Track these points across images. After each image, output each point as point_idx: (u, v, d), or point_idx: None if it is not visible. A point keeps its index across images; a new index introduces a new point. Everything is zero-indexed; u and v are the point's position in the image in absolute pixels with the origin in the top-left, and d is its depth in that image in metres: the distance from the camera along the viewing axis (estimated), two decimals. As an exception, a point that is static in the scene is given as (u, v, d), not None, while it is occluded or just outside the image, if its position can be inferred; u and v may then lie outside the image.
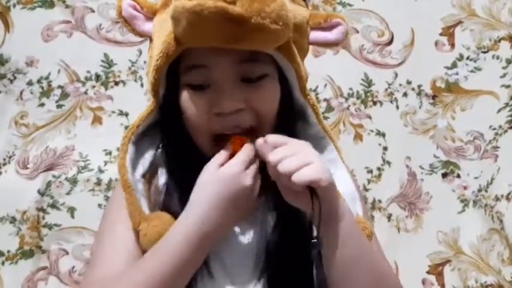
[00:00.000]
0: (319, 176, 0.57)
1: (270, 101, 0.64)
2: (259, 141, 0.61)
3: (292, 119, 0.68)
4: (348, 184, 0.69)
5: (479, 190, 1.13)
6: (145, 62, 1.08)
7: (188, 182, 0.63)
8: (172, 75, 0.64)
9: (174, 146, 0.68)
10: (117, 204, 0.68)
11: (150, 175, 0.69)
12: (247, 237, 0.67)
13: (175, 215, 0.63)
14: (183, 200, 0.63)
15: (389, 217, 1.13)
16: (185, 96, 0.63)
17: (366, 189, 1.13)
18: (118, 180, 0.69)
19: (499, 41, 1.15)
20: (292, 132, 0.67)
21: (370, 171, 1.13)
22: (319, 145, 0.69)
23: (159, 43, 0.63)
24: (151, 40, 0.67)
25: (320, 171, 0.57)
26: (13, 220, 1.03)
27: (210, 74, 0.62)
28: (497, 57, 1.14)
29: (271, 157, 0.58)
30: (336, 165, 0.70)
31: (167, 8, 0.64)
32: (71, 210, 1.04)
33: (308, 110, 0.69)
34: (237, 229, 0.67)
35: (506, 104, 1.13)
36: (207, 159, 0.63)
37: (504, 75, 1.14)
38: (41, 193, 1.03)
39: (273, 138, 0.60)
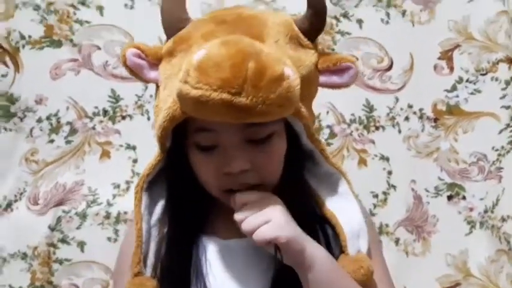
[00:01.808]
0: (276, 234, 0.59)
1: (275, 160, 0.65)
2: (232, 200, 0.63)
3: (300, 162, 0.68)
4: (355, 219, 0.69)
5: (485, 211, 1.13)
6: (151, 96, 1.10)
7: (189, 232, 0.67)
8: (179, 131, 0.64)
9: (180, 195, 0.69)
10: (127, 248, 0.70)
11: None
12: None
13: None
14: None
15: (397, 241, 1.13)
16: (194, 155, 0.65)
17: (373, 214, 1.13)
18: (130, 223, 0.72)
19: (497, 63, 1.16)
20: (300, 174, 0.68)
21: (376, 196, 1.14)
22: (329, 180, 0.70)
23: (166, 103, 0.63)
24: (157, 86, 0.67)
25: (277, 229, 0.59)
26: (24, 256, 1.05)
27: (218, 137, 0.62)
28: (496, 79, 1.16)
29: (236, 216, 0.61)
30: (346, 198, 0.70)
31: (173, 59, 0.64)
32: (81, 245, 1.05)
33: (316, 154, 0.69)
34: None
35: (507, 125, 1.14)
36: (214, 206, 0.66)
37: (504, 97, 1.15)
38: (52, 228, 1.05)
39: (240, 196, 0.62)
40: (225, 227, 0.68)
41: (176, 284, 0.67)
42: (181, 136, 0.64)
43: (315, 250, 0.63)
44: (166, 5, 0.68)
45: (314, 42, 0.67)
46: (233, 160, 0.62)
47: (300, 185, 0.69)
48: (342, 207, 0.69)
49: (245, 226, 0.60)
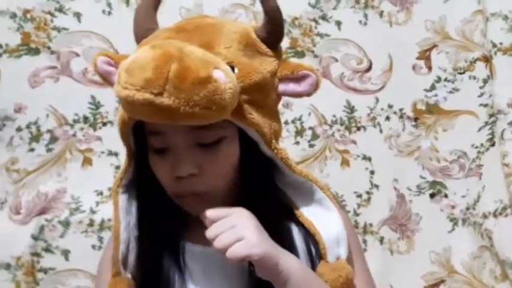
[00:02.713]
0: (248, 252, 0.59)
1: (223, 165, 0.65)
2: (202, 215, 0.62)
3: (260, 170, 0.68)
4: (334, 226, 0.70)
5: (467, 208, 1.15)
6: (132, 102, 1.10)
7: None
8: (139, 134, 0.65)
9: (149, 196, 0.69)
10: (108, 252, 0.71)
11: None
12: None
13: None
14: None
15: (381, 240, 1.14)
16: (151, 158, 0.66)
17: (357, 214, 1.14)
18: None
19: (474, 61, 1.18)
20: (263, 181, 0.68)
21: (359, 196, 1.15)
22: (302, 189, 0.71)
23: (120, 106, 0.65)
24: None
25: (250, 246, 0.59)
26: (8, 266, 1.03)
27: (167, 140, 0.63)
28: (474, 78, 1.18)
29: (208, 233, 0.61)
30: (323, 205, 0.71)
31: None
32: (65, 253, 1.04)
33: (278, 163, 0.69)
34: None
35: (486, 123, 1.16)
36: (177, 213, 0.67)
37: (481, 95, 1.17)
38: (35, 238, 1.03)
39: (210, 213, 0.62)
40: (203, 234, 0.66)
41: (155, 285, 0.67)
42: (141, 140, 0.66)
43: (289, 263, 0.63)
44: (137, 15, 0.71)
45: (276, 50, 0.67)
46: (181, 164, 0.63)
47: (267, 192, 0.69)
48: (319, 215, 0.70)
49: (217, 244, 0.59)
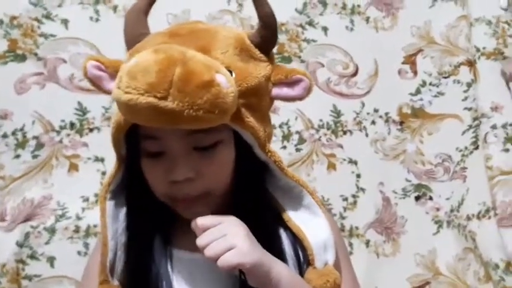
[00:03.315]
0: (239, 260, 0.59)
1: (221, 169, 0.65)
2: (193, 223, 0.63)
3: (254, 173, 0.69)
4: (322, 232, 0.70)
5: (452, 211, 1.16)
6: (118, 108, 1.10)
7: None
8: (132, 139, 0.65)
9: (138, 202, 0.69)
10: (94, 259, 0.71)
11: None
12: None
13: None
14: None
15: (367, 243, 1.15)
16: (144, 162, 0.66)
17: (343, 217, 1.15)
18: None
19: (459, 66, 1.20)
20: (256, 185, 0.69)
21: (346, 199, 1.16)
22: (291, 193, 0.71)
23: (114, 110, 0.65)
24: None
25: (241, 255, 0.59)
26: (-7, 274, 1.03)
27: (163, 144, 0.63)
28: (458, 82, 1.19)
29: (199, 242, 0.61)
30: (311, 210, 0.71)
31: None
32: (51, 260, 1.03)
33: (271, 166, 0.69)
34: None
35: (470, 126, 1.17)
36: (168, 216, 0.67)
37: (466, 99, 1.18)
38: (20, 245, 1.03)
39: (201, 221, 0.62)
40: (192, 240, 0.67)
41: None
42: (133, 145, 0.66)
43: (279, 271, 0.63)
44: (128, 20, 0.70)
45: (269, 55, 0.68)
46: (177, 168, 0.63)
47: (259, 196, 0.69)
48: (307, 220, 0.70)
49: (208, 253, 0.59)
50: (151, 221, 0.69)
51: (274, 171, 0.70)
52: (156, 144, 0.64)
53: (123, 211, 0.70)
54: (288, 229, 0.70)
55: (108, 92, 0.67)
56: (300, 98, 0.68)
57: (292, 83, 0.67)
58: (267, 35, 0.66)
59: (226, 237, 0.60)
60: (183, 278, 0.68)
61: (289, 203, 0.71)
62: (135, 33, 0.68)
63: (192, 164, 0.63)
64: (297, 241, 0.70)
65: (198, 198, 0.65)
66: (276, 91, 0.68)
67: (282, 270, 0.64)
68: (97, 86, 0.67)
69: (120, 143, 0.67)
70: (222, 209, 0.66)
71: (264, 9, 0.66)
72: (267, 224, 0.68)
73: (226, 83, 0.58)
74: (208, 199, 0.66)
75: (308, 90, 0.67)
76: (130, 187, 0.69)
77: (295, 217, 0.70)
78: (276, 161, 0.69)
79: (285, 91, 0.67)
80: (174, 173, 0.63)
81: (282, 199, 0.71)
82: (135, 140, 0.65)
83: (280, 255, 0.66)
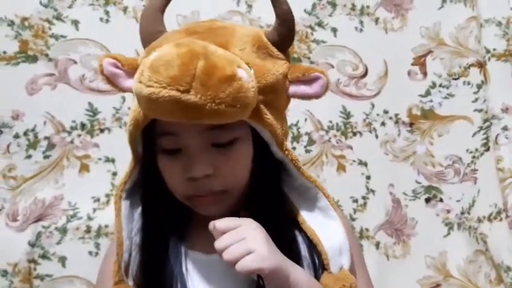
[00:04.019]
0: (259, 265, 0.58)
1: (239, 166, 0.65)
2: (210, 225, 0.62)
3: (271, 172, 0.68)
4: (337, 235, 0.69)
5: (462, 213, 1.16)
6: (129, 108, 1.09)
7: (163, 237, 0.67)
8: (148, 136, 0.65)
9: (153, 201, 0.69)
10: (109, 259, 0.70)
11: None
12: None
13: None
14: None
15: (377, 245, 1.15)
16: (161, 160, 0.65)
17: (353, 219, 1.15)
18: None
19: (469, 67, 1.19)
20: (273, 185, 0.68)
21: (356, 201, 1.15)
22: (307, 194, 0.70)
23: (132, 107, 0.64)
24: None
25: (261, 260, 0.58)
26: (5, 273, 1.03)
27: (181, 140, 0.63)
28: (468, 83, 1.19)
29: (217, 245, 0.60)
30: (326, 213, 0.70)
31: None
32: (62, 260, 1.04)
33: (288, 164, 0.68)
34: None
35: (480, 128, 1.17)
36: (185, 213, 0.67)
37: (476, 100, 1.18)
38: (31, 244, 1.03)
39: (220, 224, 0.61)
40: (207, 241, 0.67)
41: None
42: (150, 143, 0.65)
43: (298, 276, 0.63)
44: (144, 17, 0.71)
45: (285, 53, 0.68)
46: (195, 165, 0.62)
47: (276, 196, 0.69)
48: (322, 224, 0.69)
49: (226, 256, 0.59)
50: (166, 221, 0.69)
51: (291, 170, 0.69)
52: (174, 140, 0.63)
53: (138, 211, 0.70)
54: (302, 232, 0.69)
55: (123, 90, 0.68)
56: (317, 96, 0.67)
57: (309, 81, 0.66)
58: (284, 33, 0.66)
59: (245, 241, 0.59)
60: (198, 279, 0.68)
61: (304, 204, 0.70)
62: (152, 30, 0.68)
63: (210, 161, 0.63)
64: (312, 245, 0.69)
65: (215, 196, 0.65)
66: (293, 89, 0.67)
67: (300, 276, 0.63)
68: (113, 83, 0.67)
69: (136, 141, 0.66)
70: (239, 209, 0.66)
71: (282, 7, 0.65)
72: (284, 226, 0.68)
73: (247, 77, 0.58)
74: (225, 197, 0.65)
75: (325, 88, 0.66)
76: (146, 186, 0.69)
77: (309, 219, 0.69)
78: (293, 159, 0.68)
79: (303, 89, 0.67)
80: (192, 170, 0.63)
81: (297, 200, 0.70)
82: (151, 137, 0.64)
83: (296, 259, 0.66)
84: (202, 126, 0.61)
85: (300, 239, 0.69)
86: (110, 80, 0.66)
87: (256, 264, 0.58)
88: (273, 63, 0.66)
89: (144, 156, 0.68)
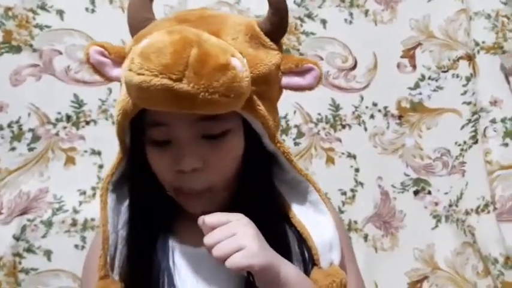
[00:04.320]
0: (249, 262, 0.57)
1: (229, 159, 0.64)
2: (200, 220, 0.61)
3: (262, 165, 0.67)
4: (327, 230, 0.68)
5: (450, 205, 1.16)
6: (115, 100, 1.08)
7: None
8: (137, 127, 0.63)
9: (141, 194, 0.67)
10: (94, 253, 0.69)
11: None
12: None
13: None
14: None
15: (365, 237, 1.15)
16: (150, 151, 0.64)
17: (341, 211, 1.14)
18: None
19: (458, 60, 1.19)
20: (264, 178, 0.67)
21: (344, 193, 1.15)
22: (298, 188, 0.69)
23: (120, 97, 0.63)
24: (121, 84, 0.67)
25: (251, 257, 0.57)
26: (-11, 267, 1.02)
27: (171, 131, 0.62)
28: (457, 76, 1.19)
29: (206, 240, 0.59)
30: (317, 207, 0.69)
31: None
32: (47, 254, 1.02)
33: (280, 157, 0.67)
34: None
35: (469, 120, 1.17)
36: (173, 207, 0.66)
37: (465, 93, 1.18)
38: (16, 238, 1.02)
39: (209, 219, 0.60)
40: (195, 234, 0.65)
41: (144, 286, 0.65)
42: (138, 134, 0.64)
43: (288, 272, 0.62)
44: (132, 5, 0.69)
45: (278, 43, 0.67)
46: (185, 157, 0.61)
47: (267, 190, 0.68)
48: (313, 218, 0.68)
49: (216, 252, 0.57)
50: (154, 214, 0.68)
51: (283, 163, 0.68)
52: (163, 132, 0.62)
53: (125, 204, 0.68)
54: (292, 226, 0.68)
55: (110, 79, 0.66)
56: (310, 87, 0.66)
57: (302, 72, 0.65)
58: (277, 22, 0.64)
59: (235, 237, 0.58)
60: (186, 272, 0.67)
61: (295, 198, 0.69)
62: (140, 18, 0.66)
63: (199, 153, 0.61)
64: (302, 239, 0.68)
65: (201, 193, 0.64)
66: (286, 80, 0.65)
67: (290, 272, 0.62)
68: (99, 72, 0.65)
69: (124, 132, 0.65)
70: (227, 204, 0.65)
71: None
72: (274, 221, 0.67)
73: (241, 67, 0.57)
74: (210, 195, 0.64)
75: (318, 80, 0.65)
76: (134, 178, 0.67)
77: (300, 214, 0.68)
78: (284, 152, 0.67)
79: (296, 80, 0.65)
80: (181, 163, 0.61)
81: (288, 194, 0.69)
82: (140, 128, 0.63)
83: (286, 254, 0.65)
84: (194, 117, 0.60)
85: (290, 233, 0.68)
86: (97, 68, 0.65)
87: (246, 261, 0.57)
88: (266, 54, 0.64)
89: (132, 147, 0.66)
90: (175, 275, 0.66)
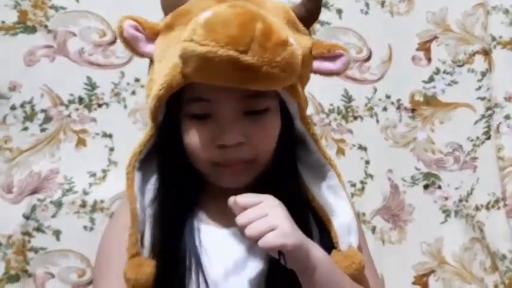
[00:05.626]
0: (282, 241, 0.58)
1: (270, 135, 0.65)
2: (231, 200, 0.61)
3: (292, 146, 0.69)
4: (346, 214, 0.69)
5: (460, 200, 1.15)
6: (128, 84, 1.09)
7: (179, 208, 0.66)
8: (173, 103, 0.63)
9: (171, 171, 0.67)
10: (117, 232, 0.68)
11: None
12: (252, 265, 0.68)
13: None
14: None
15: (373, 230, 1.14)
16: (187, 126, 0.64)
17: (350, 203, 1.14)
18: (120, 205, 0.70)
19: (474, 54, 1.18)
20: (292, 159, 0.68)
21: (354, 185, 1.15)
22: (320, 172, 0.70)
23: (162, 73, 0.62)
24: (151, 61, 0.67)
25: (284, 236, 0.58)
26: (-1, 245, 1.03)
27: (214, 107, 0.62)
28: (472, 71, 1.18)
29: (239, 220, 0.60)
30: (336, 192, 0.70)
31: (171, 32, 0.64)
32: (57, 233, 1.03)
33: (307, 138, 0.69)
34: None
35: (482, 116, 1.16)
36: (202, 183, 0.66)
37: (479, 88, 1.17)
38: (26, 217, 1.03)
39: (242, 199, 0.61)
40: (220, 215, 0.67)
41: (173, 265, 0.66)
42: (174, 110, 0.64)
43: (316, 253, 0.63)
44: None
45: (309, 29, 0.68)
46: (228, 132, 0.62)
47: (292, 172, 0.69)
48: (332, 202, 0.69)
49: (250, 232, 0.58)
50: (182, 192, 0.68)
51: (309, 144, 0.69)
52: (204, 107, 0.62)
53: (151, 181, 0.68)
54: (312, 209, 0.69)
55: (142, 55, 0.66)
56: (339, 72, 0.69)
57: (333, 57, 0.67)
58: (312, 9, 0.67)
59: (267, 218, 0.59)
60: (212, 253, 0.67)
61: (315, 182, 0.70)
62: None
63: (242, 129, 0.62)
64: (321, 222, 0.69)
65: (245, 165, 0.64)
66: (317, 65, 0.68)
67: (319, 253, 0.63)
68: (131, 47, 0.65)
69: (161, 107, 0.64)
70: (254, 184, 0.66)
71: None
72: (298, 203, 0.67)
73: (296, 44, 0.58)
74: (253, 166, 0.65)
75: (347, 66, 0.68)
76: (164, 154, 0.67)
77: (319, 197, 0.69)
78: (313, 133, 0.69)
79: (326, 65, 0.68)
80: (225, 138, 0.62)
81: (308, 177, 0.70)
82: (177, 104, 0.63)
83: (309, 236, 0.65)
84: (239, 94, 0.61)
85: (310, 216, 0.69)
86: (130, 43, 0.65)
87: (279, 240, 0.58)
88: (301, 38, 0.66)
89: (166, 123, 0.66)
90: (202, 255, 0.66)
